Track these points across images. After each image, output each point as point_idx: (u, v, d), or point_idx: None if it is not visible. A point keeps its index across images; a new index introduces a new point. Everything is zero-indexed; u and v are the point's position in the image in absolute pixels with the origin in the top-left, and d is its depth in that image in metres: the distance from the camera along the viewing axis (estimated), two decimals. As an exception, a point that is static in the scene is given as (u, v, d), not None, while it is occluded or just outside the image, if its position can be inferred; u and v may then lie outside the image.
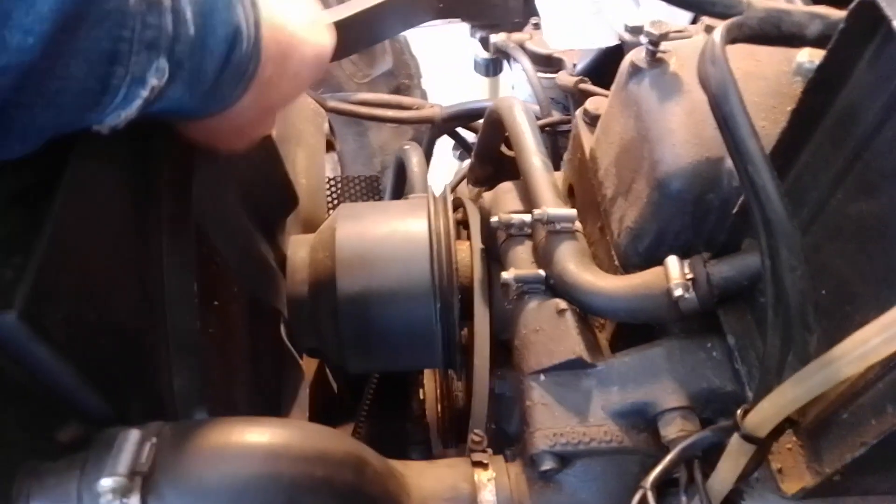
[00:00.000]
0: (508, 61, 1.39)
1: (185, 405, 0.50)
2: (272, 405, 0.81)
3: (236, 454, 0.43)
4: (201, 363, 0.52)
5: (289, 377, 0.80)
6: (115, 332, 0.46)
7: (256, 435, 0.44)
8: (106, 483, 0.39)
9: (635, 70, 0.67)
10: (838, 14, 0.51)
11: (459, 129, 1.33)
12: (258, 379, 0.78)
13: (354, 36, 1.22)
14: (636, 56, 0.67)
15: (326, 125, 1.20)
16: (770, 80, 0.64)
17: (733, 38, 0.49)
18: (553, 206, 0.71)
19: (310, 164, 0.93)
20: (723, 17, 0.54)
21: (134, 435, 0.42)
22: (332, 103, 1.21)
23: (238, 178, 0.71)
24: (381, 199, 1.41)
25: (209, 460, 0.42)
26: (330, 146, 1.11)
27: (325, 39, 0.59)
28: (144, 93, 0.39)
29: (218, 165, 0.66)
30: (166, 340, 0.50)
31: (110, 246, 0.46)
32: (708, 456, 0.58)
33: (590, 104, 0.82)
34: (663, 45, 0.65)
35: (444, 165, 1.76)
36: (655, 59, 0.66)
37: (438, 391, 1.01)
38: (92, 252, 0.44)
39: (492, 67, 1.51)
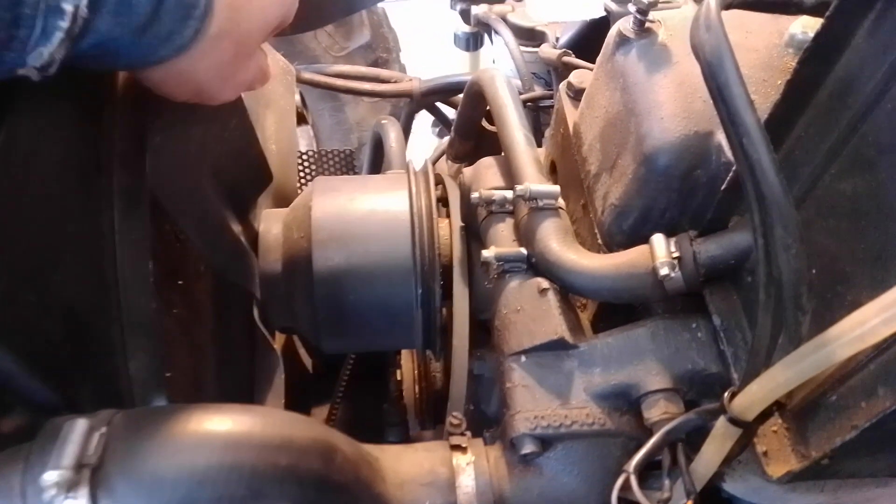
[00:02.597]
0: (490, 34, 1.36)
1: (143, 391, 0.47)
2: (245, 391, 0.78)
3: (193, 443, 0.40)
4: (159, 346, 0.49)
5: (263, 363, 0.77)
6: (61, 314, 0.43)
7: (216, 422, 0.41)
8: (50, 476, 0.36)
9: (622, 40, 0.64)
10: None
11: (439, 105, 1.30)
12: (229, 363, 0.75)
13: (330, 4, 1.18)
14: (623, 25, 0.64)
15: (296, 87, 1.15)
16: (761, 52, 0.61)
17: (729, 3, 0.47)
18: (536, 182, 0.69)
19: (280, 129, 0.88)
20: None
21: (81, 424, 0.38)
22: (307, 75, 1.16)
23: (209, 155, 0.67)
24: (357, 175, 1.37)
25: (164, 450, 0.39)
26: (301, 119, 1.07)
27: None
28: (64, 24, 0.36)
29: (187, 140, 0.62)
30: (120, 322, 0.46)
31: (53, 220, 0.43)
32: (692, 439, 0.56)
33: (574, 77, 0.79)
34: (652, 15, 0.63)
35: (423, 142, 1.73)
36: (643, 29, 0.63)
37: (416, 372, 0.99)
38: (31, 227, 0.40)
39: (472, 41, 1.48)
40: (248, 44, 0.53)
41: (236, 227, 0.74)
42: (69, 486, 0.36)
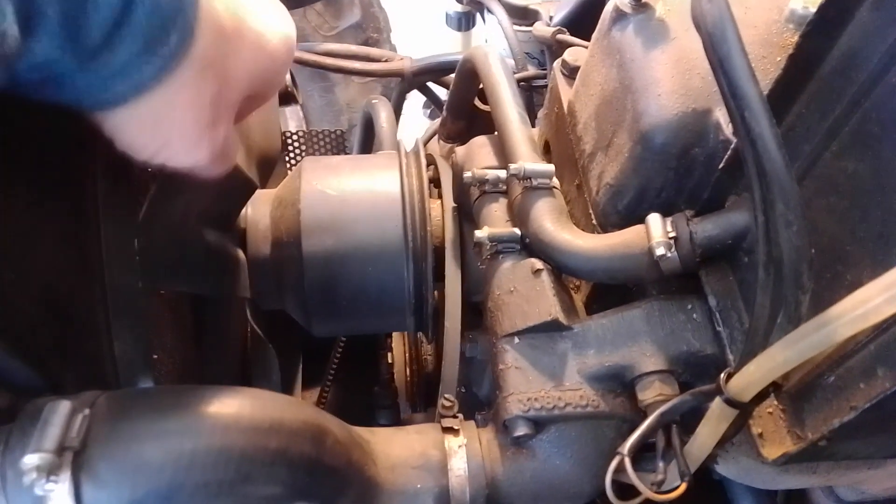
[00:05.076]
0: (482, 13, 1.34)
1: (128, 373, 0.46)
2: (234, 375, 0.76)
3: (180, 426, 0.39)
4: (146, 326, 0.47)
5: (258, 357, 0.76)
6: (42, 293, 0.41)
7: (203, 404, 0.40)
8: (30, 460, 0.35)
9: (619, 15, 0.63)
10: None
11: (431, 85, 1.28)
12: (219, 347, 0.74)
13: (319, -19, 1.15)
14: (620, 0, 0.63)
15: None
16: (760, 28, 0.60)
17: (730, -27, 0.45)
18: (530, 161, 0.68)
19: None
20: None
21: (64, 406, 0.37)
22: (296, 53, 1.14)
23: (193, 211, 0.62)
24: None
25: (149, 433, 0.38)
26: (291, 98, 1.04)
27: (289, 23, 0.47)
28: None
29: (171, 211, 0.57)
30: (104, 302, 0.45)
31: (32, 197, 0.41)
32: (685, 421, 0.56)
33: (568, 55, 0.78)
34: (649, -11, 0.61)
35: (415, 124, 1.71)
36: (641, 4, 0.62)
37: (407, 355, 0.98)
38: (8, 203, 0.38)
39: (464, 21, 1.46)
40: (233, 87, 0.44)
41: (222, 240, 0.70)
42: (50, 470, 0.35)
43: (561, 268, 0.65)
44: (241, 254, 0.74)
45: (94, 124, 0.41)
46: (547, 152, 0.82)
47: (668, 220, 0.59)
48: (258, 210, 0.79)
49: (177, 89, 0.39)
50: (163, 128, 0.42)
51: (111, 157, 0.44)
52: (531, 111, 1.08)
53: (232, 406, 0.41)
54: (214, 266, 0.68)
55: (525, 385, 0.60)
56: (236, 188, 0.67)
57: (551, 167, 0.67)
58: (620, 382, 0.60)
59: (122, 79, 0.37)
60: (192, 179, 0.46)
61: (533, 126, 0.84)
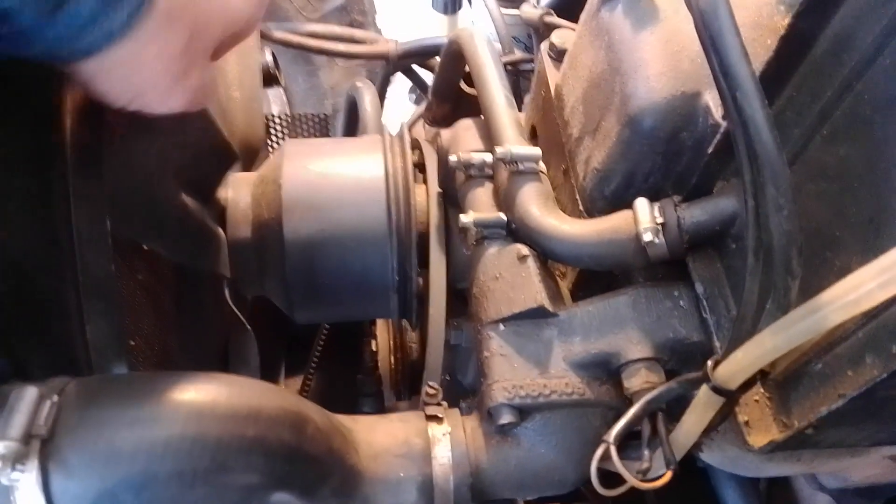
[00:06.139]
0: (469, -4, 1.32)
1: (101, 358, 0.44)
2: (215, 360, 0.75)
3: (153, 413, 0.38)
4: (119, 310, 0.45)
5: (237, 342, 0.74)
6: (7, 274, 0.40)
7: (178, 391, 0.39)
8: (-5, 448, 0.33)
9: (608, -4, 0.62)
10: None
11: (416, 69, 1.26)
12: (198, 331, 0.72)
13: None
14: (609, -20, 0.61)
15: (268, 47, 1.09)
16: (750, 9, 0.59)
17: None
18: (516, 144, 0.67)
19: (243, 71, 0.80)
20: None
21: (31, 392, 0.36)
22: (279, 34, 1.12)
23: (171, 164, 0.61)
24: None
25: (121, 420, 0.37)
26: (274, 80, 1.02)
27: None
28: None
29: (146, 156, 0.56)
30: (75, 284, 0.43)
31: None
32: (671, 408, 0.55)
33: (556, 37, 0.77)
34: (639, -31, 0.60)
35: (400, 109, 1.69)
36: (630, -16, 0.60)
37: (392, 342, 0.97)
38: None
39: (451, 4, 1.45)
40: (203, 36, 0.44)
41: (201, 211, 0.69)
42: (16, 459, 0.34)
43: (547, 254, 0.64)
44: (221, 232, 0.73)
45: (67, 75, 0.41)
46: (534, 137, 0.81)
47: (656, 205, 0.58)
48: (239, 190, 0.77)
49: (145, 40, 0.40)
50: (135, 79, 0.42)
51: (80, 133, 0.42)
52: (518, 96, 1.07)
53: (208, 393, 0.40)
54: (192, 233, 0.66)
55: (510, 372, 0.59)
56: (214, 151, 0.66)
57: (538, 151, 0.66)
58: (606, 370, 0.60)
59: (92, 28, 0.38)
60: (170, 122, 0.46)
61: (520, 111, 0.83)
